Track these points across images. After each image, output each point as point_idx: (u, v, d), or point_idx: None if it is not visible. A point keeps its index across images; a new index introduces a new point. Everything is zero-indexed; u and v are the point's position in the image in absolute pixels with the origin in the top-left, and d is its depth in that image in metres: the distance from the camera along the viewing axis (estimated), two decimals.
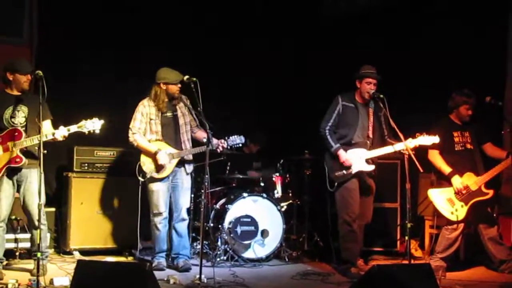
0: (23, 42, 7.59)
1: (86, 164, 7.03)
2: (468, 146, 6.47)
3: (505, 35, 7.42)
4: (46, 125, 5.84)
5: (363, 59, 6.59)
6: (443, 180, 6.43)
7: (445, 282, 5.75)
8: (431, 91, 7.40)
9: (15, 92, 5.81)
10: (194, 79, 6.03)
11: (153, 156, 6.25)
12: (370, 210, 6.54)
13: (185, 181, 6.45)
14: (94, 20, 7.67)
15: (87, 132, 5.71)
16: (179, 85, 6.29)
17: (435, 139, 6.13)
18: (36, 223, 5.51)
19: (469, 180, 6.33)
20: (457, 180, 6.32)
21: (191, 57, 6.63)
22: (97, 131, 5.73)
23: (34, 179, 5.75)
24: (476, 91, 6.49)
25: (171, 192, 6.43)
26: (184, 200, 6.47)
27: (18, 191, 5.82)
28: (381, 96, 6.23)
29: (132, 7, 7.85)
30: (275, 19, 8.63)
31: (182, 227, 6.46)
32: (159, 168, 6.25)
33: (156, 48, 7.88)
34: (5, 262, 6.02)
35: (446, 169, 6.39)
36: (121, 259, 6.82)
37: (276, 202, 7.17)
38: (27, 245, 6.42)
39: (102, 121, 5.74)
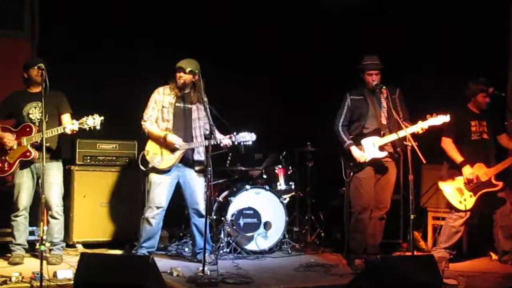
0: (24, 36, 7.58)
1: (88, 157, 7.05)
2: (485, 136, 6.46)
3: (507, 27, 7.41)
4: (66, 119, 6.19)
5: (366, 49, 6.55)
6: (454, 169, 6.44)
7: (448, 273, 5.75)
8: (435, 84, 7.40)
9: (34, 90, 6.12)
10: (197, 71, 6.07)
11: (163, 141, 6.18)
12: (385, 204, 6.47)
13: (196, 181, 6.33)
14: (96, 13, 7.66)
15: (87, 129, 5.90)
16: (183, 75, 6.20)
17: (446, 118, 6.03)
18: (54, 213, 6.12)
19: (479, 171, 6.33)
20: (467, 170, 6.33)
21: (194, 51, 6.63)
22: (98, 127, 5.90)
23: (51, 172, 6.13)
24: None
25: (183, 190, 6.36)
26: (198, 199, 6.33)
27: (38, 183, 6.14)
28: (383, 87, 6.23)
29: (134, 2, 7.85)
30: (278, 10, 8.61)
31: (201, 223, 6.33)
32: (172, 151, 6.18)
33: (156, 40, 7.87)
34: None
35: (458, 158, 6.40)
36: (123, 251, 6.81)
37: (279, 194, 7.17)
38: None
39: (102, 118, 5.88)
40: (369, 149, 6.31)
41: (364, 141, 6.34)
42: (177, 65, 6.23)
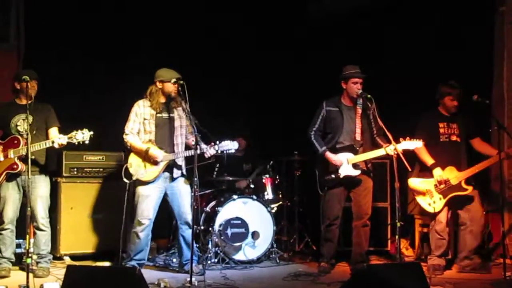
0: (10, 48, 7.57)
1: (75, 169, 7.02)
2: (454, 138, 6.46)
3: (491, 34, 7.49)
4: (53, 132, 6.18)
5: (350, 59, 6.59)
6: (426, 171, 6.44)
7: (435, 281, 5.77)
8: (419, 92, 7.44)
9: (24, 102, 6.09)
10: (182, 82, 6.07)
11: (144, 155, 6.17)
12: (365, 210, 6.49)
13: (183, 192, 6.33)
14: (83, 25, 7.66)
15: (76, 143, 5.91)
16: (175, 85, 6.19)
17: (419, 143, 6.12)
18: (40, 225, 6.10)
19: (450, 174, 6.33)
20: (438, 173, 6.34)
21: (184, 59, 6.67)
22: (86, 142, 5.91)
23: (38, 185, 6.12)
24: (465, 90, 6.51)
25: (171, 201, 6.36)
26: (187, 210, 6.32)
27: (24, 196, 6.10)
28: (369, 96, 6.25)
29: (120, 13, 7.86)
30: (264, 22, 8.64)
31: (189, 234, 6.31)
32: (154, 164, 6.17)
33: (146, 51, 7.89)
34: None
35: (429, 160, 6.40)
36: (112, 263, 6.79)
37: (266, 203, 7.17)
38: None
39: (91, 132, 5.90)
40: (343, 165, 6.36)
41: (338, 157, 6.38)
42: (171, 77, 6.18)
